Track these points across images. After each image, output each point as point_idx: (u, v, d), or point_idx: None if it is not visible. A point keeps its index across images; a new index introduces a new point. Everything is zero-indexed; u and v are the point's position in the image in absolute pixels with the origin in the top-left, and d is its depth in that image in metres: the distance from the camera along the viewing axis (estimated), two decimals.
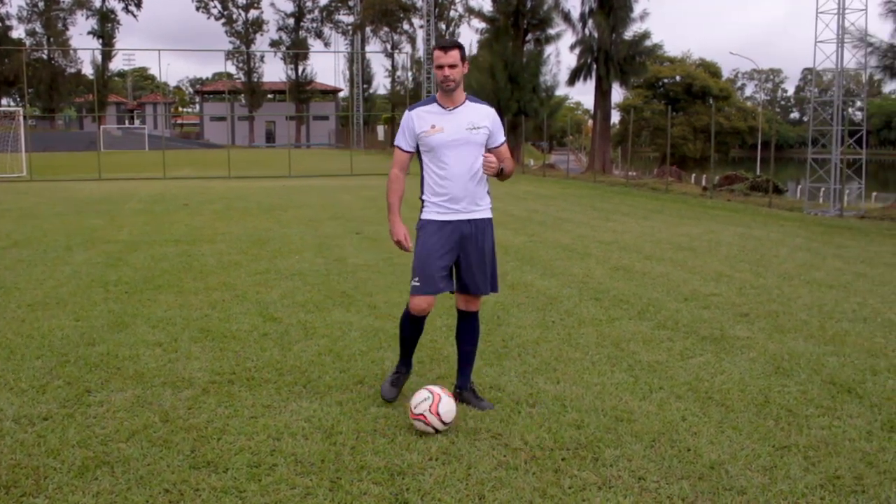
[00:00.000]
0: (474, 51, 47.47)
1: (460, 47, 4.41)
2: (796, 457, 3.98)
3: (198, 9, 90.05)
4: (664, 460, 3.91)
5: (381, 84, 79.76)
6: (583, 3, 40.09)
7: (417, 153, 4.57)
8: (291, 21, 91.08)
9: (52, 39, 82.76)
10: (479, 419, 4.42)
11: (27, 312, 6.97)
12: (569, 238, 12.42)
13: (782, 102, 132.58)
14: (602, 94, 40.65)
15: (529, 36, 45.92)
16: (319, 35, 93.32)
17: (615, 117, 60.49)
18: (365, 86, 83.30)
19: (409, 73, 70.44)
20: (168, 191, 23.03)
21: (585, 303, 7.57)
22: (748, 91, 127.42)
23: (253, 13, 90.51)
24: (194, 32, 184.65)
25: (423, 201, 4.57)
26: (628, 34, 39.76)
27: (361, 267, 9.35)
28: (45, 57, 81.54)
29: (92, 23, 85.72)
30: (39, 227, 13.42)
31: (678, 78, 67.51)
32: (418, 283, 4.45)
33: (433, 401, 4.18)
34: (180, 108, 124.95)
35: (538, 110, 43.95)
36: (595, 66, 39.81)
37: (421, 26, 63.93)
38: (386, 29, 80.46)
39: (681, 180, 32.81)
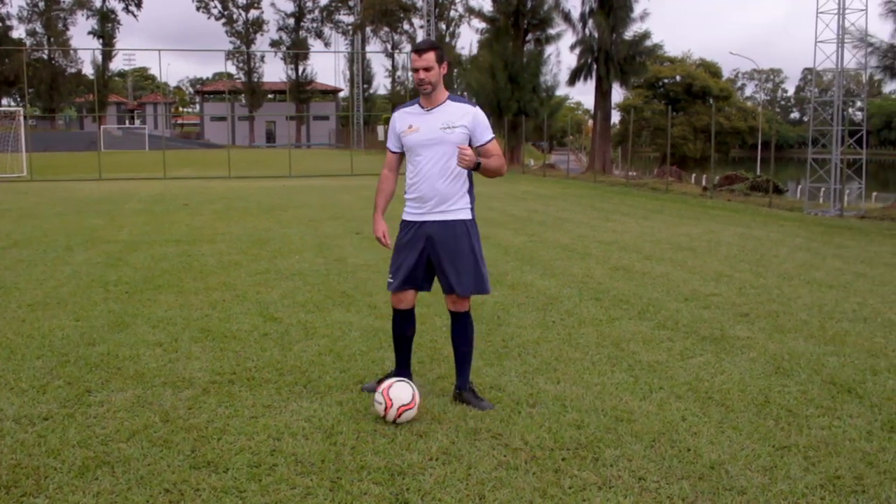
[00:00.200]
0: (474, 51, 47.47)
1: (436, 49, 4.44)
2: (796, 457, 3.98)
3: (198, 9, 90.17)
4: (664, 460, 3.91)
5: (381, 84, 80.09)
6: (583, 3, 40.10)
7: None
8: (292, 21, 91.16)
9: (52, 39, 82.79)
10: (480, 419, 4.42)
11: (27, 312, 6.97)
12: (569, 238, 12.42)
13: (782, 102, 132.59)
14: (602, 94, 40.64)
15: (529, 36, 45.91)
16: (320, 35, 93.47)
17: (615, 117, 60.50)
18: (365, 86, 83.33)
19: (410, 73, 70.44)
20: (168, 191, 23.03)
21: (585, 303, 7.57)
22: (748, 91, 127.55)
23: (253, 13, 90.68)
24: (194, 32, 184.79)
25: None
26: (628, 34, 39.77)
27: (361, 267, 9.36)
28: (45, 57, 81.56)
29: (92, 23, 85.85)
30: (40, 227, 13.42)
31: (678, 78, 67.50)
32: (391, 280, 4.66)
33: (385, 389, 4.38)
34: (180, 109, 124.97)
35: (538, 110, 43.95)
36: (595, 66, 39.80)
37: (421, 26, 63.95)
38: (386, 29, 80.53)
39: (681, 180, 32.80)
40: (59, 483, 3.61)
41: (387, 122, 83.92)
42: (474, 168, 4.40)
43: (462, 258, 4.54)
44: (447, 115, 4.48)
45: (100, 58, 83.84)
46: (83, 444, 4.04)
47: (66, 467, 3.77)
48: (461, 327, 4.71)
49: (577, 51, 40.72)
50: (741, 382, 5.15)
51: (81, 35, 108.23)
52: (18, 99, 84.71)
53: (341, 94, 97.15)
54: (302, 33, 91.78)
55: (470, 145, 4.50)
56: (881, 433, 4.30)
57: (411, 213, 4.61)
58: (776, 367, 5.51)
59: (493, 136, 4.54)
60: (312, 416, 4.45)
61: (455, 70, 63.54)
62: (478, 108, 4.53)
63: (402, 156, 4.75)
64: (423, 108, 4.54)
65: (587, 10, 39.93)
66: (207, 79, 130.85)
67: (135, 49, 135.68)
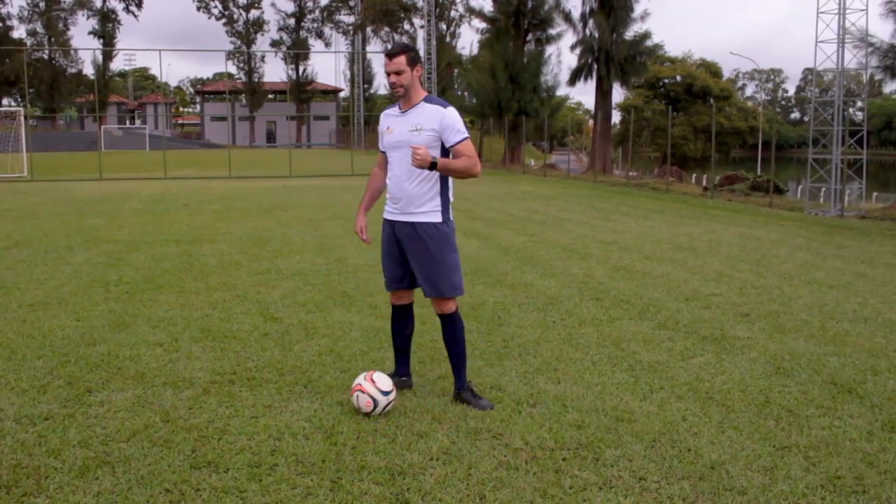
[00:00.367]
0: (475, 51, 47.46)
1: (406, 52, 4.48)
2: (797, 457, 3.97)
3: (198, 9, 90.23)
4: (665, 460, 3.91)
5: (381, 84, 79.63)
6: (583, 3, 40.13)
7: None
8: (292, 21, 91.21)
9: (52, 39, 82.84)
10: (480, 419, 4.42)
11: (28, 312, 6.97)
12: (569, 238, 12.42)
13: (783, 102, 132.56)
14: (603, 94, 40.65)
15: (530, 36, 45.95)
16: (320, 35, 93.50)
17: (616, 117, 60.56)
18: (366, 86, 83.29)
19: None
20: (169, 191, 23.04)
21: (586, 303, 7.57)
22: (749, 91, 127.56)
23: (254, 13, 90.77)
24: (195, 32, 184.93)
25: None
26: (629, 34, 39.79)
27: (362, 267, 9.36)
28: (45, 57, 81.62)
29: (93, 23, 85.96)
30: (40, 227, 13.43)
31: (679, 78, 67.54)
32: (384, 278, 4.90)
33: (367, 374, 4.52)
34: (181, 109, 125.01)
35: (539, 110, 43.97)
36: (596, 66, 39.82)
37: (422, 26, 63.91)
38: (387, 29, 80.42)
39: (681, 180, 32.81)
40: (60, 483, 3.61)
41: None
42: (430, 168, 4.38)
43: (426, 260, 4.55)
44: (419, 116, 4.50)
45: (100, 58, 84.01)
46: (84, 444, 4.04)
47: (66, 467, 3.77)
48: (448, 329, 4.72)
49: (578, 51, 40.77)
50: (742, 382, 5.15)
51: (82, 35, 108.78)
52: (19, 99, 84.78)
53: (342, 95, 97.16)
54: (302, 33, 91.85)
55: (444, 147, 4.50)
56: (882, 433, 4.30)
57: (387, 212, 4.72)
58: (777, 367, 5.51)
59: (466, 136, 4.48)
60: (313, 416, 4.45)
61: (455, 70, 63.57)
62: (449, 109, 4.49)
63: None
64: (401, 110, 4.60)
65: (588, 10, 39.96)
66: (208, 79, 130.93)
67: (135, 49, 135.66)
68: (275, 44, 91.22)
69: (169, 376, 5.16)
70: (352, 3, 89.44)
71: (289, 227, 13.68)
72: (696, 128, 64.09)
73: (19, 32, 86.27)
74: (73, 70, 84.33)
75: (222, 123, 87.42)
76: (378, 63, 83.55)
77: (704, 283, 8.61)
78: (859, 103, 29.98)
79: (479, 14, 49.95)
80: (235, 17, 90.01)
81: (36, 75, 77.06)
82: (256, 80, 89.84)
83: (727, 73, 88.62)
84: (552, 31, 45.01)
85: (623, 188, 26.67)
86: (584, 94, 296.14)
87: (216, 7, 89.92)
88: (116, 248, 10.96)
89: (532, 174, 37.92)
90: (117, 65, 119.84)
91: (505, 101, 43.98)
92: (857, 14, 19.63)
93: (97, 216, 15.43)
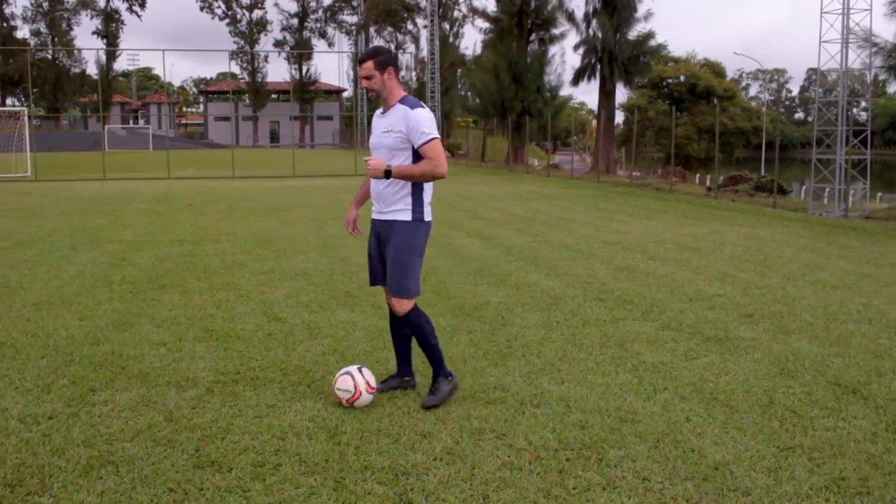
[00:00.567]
0: (478, 51, 47.47)
1: (374, 57, 4.54)
2: (801, 458, 3.97)
3: (202, 9, 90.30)
4: (668, 461, 3.91)
5: None
6: (587, 3, 40.10)
7: None
8: (295, 21, 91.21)
9: (56, 39, 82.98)
10: (484, 419, 4.42)
11: (32, 312, 6.98)
12: (573, 238, 12.42)
13: (787, 102, 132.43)
14: (606, 94, 40.63)
15: (533, 36, 45.95)
16: (323, 35, 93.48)
17: (619, 117, 60.52)
18: None
19: (413, 74, 70.43)
20: (172, 191, 23.07)
21: (589, 303, 7.57)
22: (752, 91, 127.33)
23: (257, 13, 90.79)
24: (198, 32, 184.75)
25: None
26: (632, 34, 39.77)
27: (366, 267, 9.33)
28: (49, 57, 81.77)
29: (96, 23, 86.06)
30: (44, 227, 13.45)
31: (682, 78, 67.51)
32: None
33: (355, 380, 4.59)
34: (184, 108, 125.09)
35: (542, 110, 43.97)
36: (599, 66, 39.81)
37: (425, 26, 63.87)
38: (390, 29, 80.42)
39: (685, 180, 32.79)
40: (64, 482, 3.62)
41: None
42: (385, 176, 4.46)
43: (389, 256, 4.65)
44: (392, 118, 4.57)
45: (104, 58, 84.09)
46: (87, 443, 4.04)
47: (70, 466, 3.78)
48: (401, 328, 4.90)
49: (581, 51, 40.75)
50: (745, 383, 5.14)
51: (85, 35, 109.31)
52: (23, 99, 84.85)
53: (345, 94, 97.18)
54: (305, 33, 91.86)
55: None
56: (886, 434, 4.29)
57: (371, 211, 4.81)
58: (781, 367, 5.50)
59: (431, 137, 4.46)
60: (316, 416, 4.45)
61: (459, 70, 63.55)
62: (416, 110, 4.49)
63: None
64: (382, 112, 4.69)
65: (591, 10, 39.94)
66: (211, 79, 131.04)
67: (139, 49, 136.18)
68: (278, 44, 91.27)
69: (172, 376, 5.17)
70: (355, 3, 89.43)
71: (292, 227, 13.69)
72: (699, 128, 64.07)
73: (23, 32, 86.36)
74: (77, 70, 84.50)
75: (226, 123, 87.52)
76: None
77: (708, 284, 8.60)
78: (863, 103, 29.95)
79: (483, 14, 49.95)
80: (239, 17, 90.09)
81: (40, 75, 77.22)
82: (260, 80, 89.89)
83: (731, 73, 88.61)
84: (555, 31, 45.03)
85: (627, 188, 26.65)
86: (587, 94, 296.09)
87: (219, 7, 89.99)
88: (120, 247, 10.98)
89: (535, 174, 37.91)
90: (121, 65, 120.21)
91: (508, 101, 43.98)
92: (861, 14, 19.65)
93: (101, 216, 15.45)
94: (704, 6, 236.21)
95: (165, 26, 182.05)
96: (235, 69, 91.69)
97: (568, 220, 15.45)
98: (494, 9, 47.14)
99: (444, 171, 4.49)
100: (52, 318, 6.75)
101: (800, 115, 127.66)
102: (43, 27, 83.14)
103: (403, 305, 4.67)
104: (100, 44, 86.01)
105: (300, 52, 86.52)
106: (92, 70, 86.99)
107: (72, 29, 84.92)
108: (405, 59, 78.67)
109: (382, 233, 4.69)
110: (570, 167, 40.66)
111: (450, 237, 12.29)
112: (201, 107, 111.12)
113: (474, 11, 54.15)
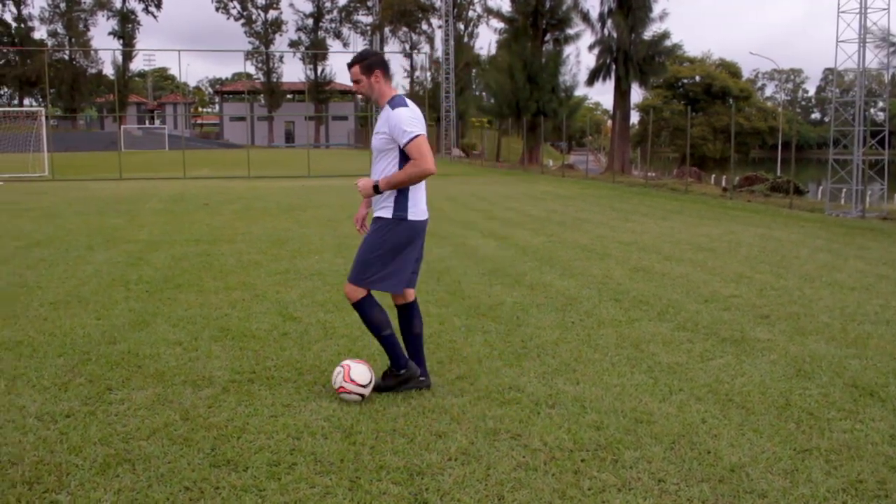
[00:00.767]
0: (493, 51, 47.44)
1: (360, 61, 4.62)
2: (818, 460, 3.94)
3: (217, 9, 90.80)
4: (684, 462, 3.89)
5: (399, 84, 79.47)
6: (602, 3, 40.06)
7: None
8: (310, 21, 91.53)
9: (73, 40, 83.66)
10: (499, 420, 4.41)
11: (49, 311, 7.03)
12: (588, 238, 12.39)
13: (803, 103, 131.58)
14: (621, 94, 40.53)
15: (548, 36, 45.91)
16: (338, 35, 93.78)
17: (634, 117, 60.31)
18: None
19: (428, 74, 70.50)
20: (188, 190, 23.18)
21: (605, 303, 7.55)
22: (768, 91, 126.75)
23: (272, 14, 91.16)
24: (214, 33, 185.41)
25: None
26: (647, 34, 39.69)
27: None
28: (66, 58, 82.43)
29: (113, 23, 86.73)
30: (61, 227, 13.54)
31: (698, 78, 67.23)
32: None
33: (344, 372, 4.67)
34: (200, 109, 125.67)
35: (557, 110, 43.92)
36: (614, 67, 39.73)
37: (439, 26, 63.94)
38: (404, 29, 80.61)
39: (700, 181, 32.65)
40: (81, 480, 3.64)
41: None
42: (375, 192, 4.59)
43: (362, 247, 4.76)
44: (380, 120, 4.67)
45: (120, 58, 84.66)
46: (104, 442, 4.07)
47: (87, 464, 3.80)
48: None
49: (596, 51, 40.70)
50: (762, 385, 5.11)
51: (102, 36, 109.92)
52: (40, 99, 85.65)
53: (359, 95, 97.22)
54: (320, 34, 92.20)
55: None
56: None
57: None
58: (797, 369, 5.47)
59: (414, 135, 4.44)
60: (332, 416, 4.46)
61: (474, 70, 63.54)
62: (396, 109, 4.50)
63: None
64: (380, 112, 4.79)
65: (606, 10, 39.88)
66: (227, 79, 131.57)
67: (154, 49, 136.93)
68: (293, 44, 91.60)
69: (188, 375, 5.19)
70: (370, 4, 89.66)
71: (307, 227, 13.73)
72: (715, 128, 63.79)
73: (40, 33, 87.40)
74: (94, 70, 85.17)
75: (241, 123, 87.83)
76: (396, 63, 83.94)
77: (724, 285, 8.56)
78: (881, 103, 29.71)
79: (497, 14, 49.96)
80: (254, 17, 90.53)
81: (57, 76, 77.83)
82: (275, 80, 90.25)
83: (746, 74, 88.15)
84: (570, 31, 44.99)
85: (642, 189, 26.56)
86: (602, 95, 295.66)
87: (235, 7, 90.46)
88: (136, 247, 11.04)
89: (550, 174, 37.85)
90: (137, 65, 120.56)
91: (523, 102, 43.95)
92: (879, 13, 19.44)
93: (117, 216, 15.55)
94: (726, 6, 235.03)
95: (181, 27, 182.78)
96: (251, 69, 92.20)
97: (583, 220, 15.42)
98: (509, 9, 47.16)
99: (430, 168, 4.49)
100: (69, 317, 6.80)
101: (816, 115, 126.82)
102: (60, 28, 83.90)
103: (351, 290, 4.78)
104: (116, 44, 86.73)
105: (315, 53, 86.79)
106: (108, 70, 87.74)
107: (88, 30, 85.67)
108: (420, 59, 78.79)
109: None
110: (585, 167, 40.54)
111: (465, 237, 12.29)
112: (217, 107, 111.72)
113: (489, 11, 54.21)
